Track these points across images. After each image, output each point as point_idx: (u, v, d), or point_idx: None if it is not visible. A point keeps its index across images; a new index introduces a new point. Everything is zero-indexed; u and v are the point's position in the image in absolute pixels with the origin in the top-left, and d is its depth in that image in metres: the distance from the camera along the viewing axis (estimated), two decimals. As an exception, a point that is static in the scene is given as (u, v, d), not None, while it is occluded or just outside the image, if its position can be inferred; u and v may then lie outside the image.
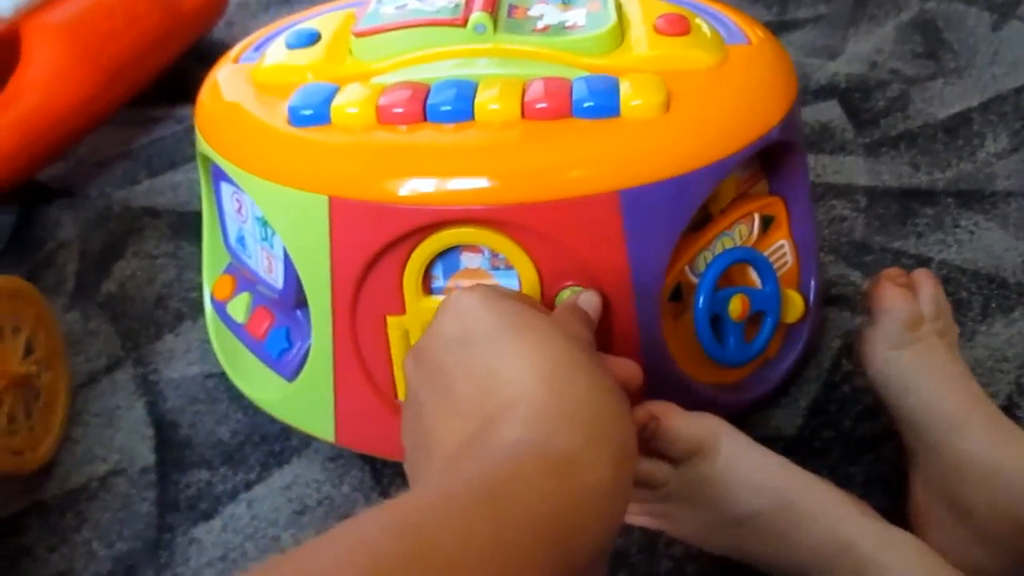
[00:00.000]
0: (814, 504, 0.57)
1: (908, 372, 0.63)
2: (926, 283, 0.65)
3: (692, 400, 0.62)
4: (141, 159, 1.16)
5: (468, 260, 0.63)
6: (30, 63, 1.03)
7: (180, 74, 1.23)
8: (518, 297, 0.52)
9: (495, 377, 0.45)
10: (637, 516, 0.64)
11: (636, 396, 0.53)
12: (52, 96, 1.03)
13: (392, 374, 0.67)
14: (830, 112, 1.12)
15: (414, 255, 0.62)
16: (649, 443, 0.59)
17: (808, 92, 1.16)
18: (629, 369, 0.55)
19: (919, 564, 0.54)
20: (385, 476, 0.73)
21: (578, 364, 0.46)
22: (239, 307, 0.78)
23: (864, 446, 0.72)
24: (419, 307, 0.64)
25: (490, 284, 0.58)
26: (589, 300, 0.58)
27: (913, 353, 0.63)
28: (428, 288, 0.64)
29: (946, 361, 0.63)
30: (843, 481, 0.59)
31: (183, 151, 1.15)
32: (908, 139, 1.07)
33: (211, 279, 0.82)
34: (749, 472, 0.59)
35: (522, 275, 0.62)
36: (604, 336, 0.63)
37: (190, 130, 0.74)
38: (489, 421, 0.43)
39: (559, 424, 0.42)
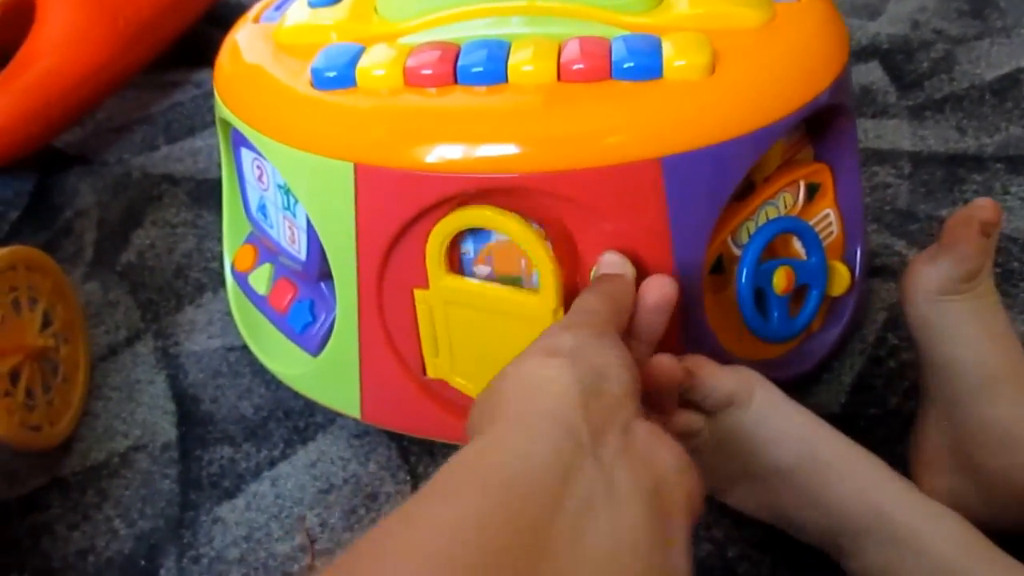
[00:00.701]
0: (845, 464, 0.56)
1: (953, 321, 0.60)
2: (995, 224, 0.61)
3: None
4: (160, 125, 1.15)
5: (499, 233, 0.61)
6: (44, 25, 1.01)
7: (199, 37, 1.21)
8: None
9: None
10: None
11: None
12: (67, 59, 1.01)
13: (419, 350, 0.65)
14: (871, 74, 1.10)
15: (436, 228, 0.59)
16: (685, 396, 0.59)
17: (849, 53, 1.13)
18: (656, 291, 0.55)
19: (960, 538, 0.52)
20: (412, 454, 0.71)
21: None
22: (261, 279, 0.76)
23: (911, 424, 0.68)
24: (441, 285, 0.61)
25: None
26: (610, 262, 0.57)
27: (964, 303, 0.60)
28: (458, 263, 0.62)
29: (992, 314, 0.61)
30: (889, 461, 0.58)
31: (202, 116, 1.14)
32: (954, 102, 1.04)
33: (232, 249, 0.80)
34: (779, 425, 0.58)
35: (541, 272, 0.59)
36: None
37: (209, 95, 0.72)
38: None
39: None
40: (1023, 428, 0.58)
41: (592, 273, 0.59)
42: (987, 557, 0.51)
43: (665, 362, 0.52)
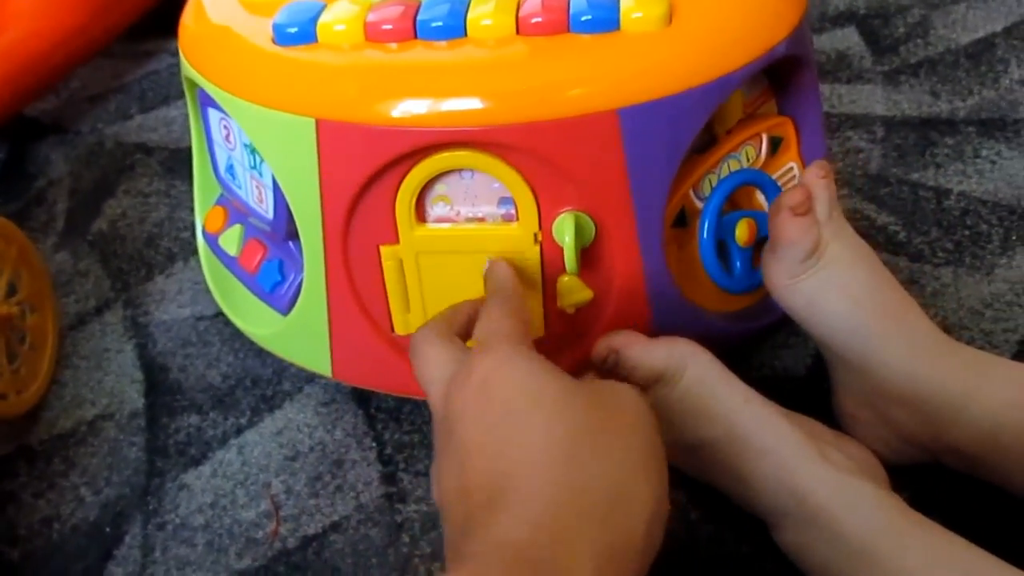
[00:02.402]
0: (767, 442, 0.57)
1: (812, 299, 0.61)
2: (818, 188, 0.62)
3: (698, 329, 0.60)
4: (134, 93, 1.14)
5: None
6: (14, -9, 1.00)
7: (174, 4, 1.19)
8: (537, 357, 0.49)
9: (503, 459, 0.44)
10: None
11: None
12: (38, 26, 1.00)
13: (387, 306, 0.65)
14: (848, 39, 1.09)
15: (405, 181, 0.59)
16: (611, 371, 0.61)
17: (826, 19, 1.13)
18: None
19: (877, 519, 0.53)
20: (379, 421, 0.71)
21: (592, 442, 0.44)
22: (231, 240, 0.75)
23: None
24: (412, 236, 0.61)
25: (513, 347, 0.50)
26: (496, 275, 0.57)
27: (812, 279, 0.61)
28: (422, 215, 0.62)
29: (848, 277, 0.61)
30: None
31: (177, 85, 1.12)
32: (928, 66, 1.03)
33: (203, 211, 0.79)
34: (705, 401, 0.59)
35: (518, 200, 0.59)
36: (605, 265, 0.61)
37: (183, 63, 0.71)
38: (487, 510, 0.43)
39: (546, 524, 0.42)
40: (917, 370, 0.59)
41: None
42: (904, 536, 0.52)
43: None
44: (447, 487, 0.46)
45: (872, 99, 0.99)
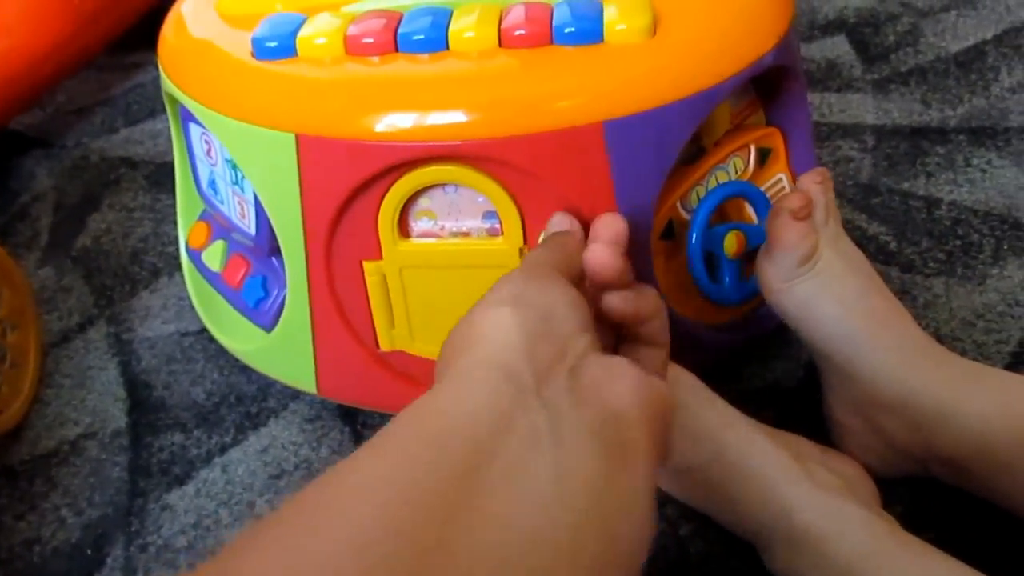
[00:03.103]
0: (752, 466, 0.57)
1: (805, 302, 0.61)
2: (816, 193, 0.62)
3: (688, 341, 0.59)
4: (120, 106, 1.14)
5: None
6: (-2, 4, 0.99)
7: (160, 17, 1.19)
8: None
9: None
10: None
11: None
12: (23, 40, 0.99)
13: (372, 322, 0.64)
14: (838, 48, 1.09)
15: (388, 196, 0.59)
16: None
17: (815, 27, 1.13)
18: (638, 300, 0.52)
19: (864, 540, 0.52)
20: (365, 438, 0.70)
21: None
22: (214, 255, 0.75)
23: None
24: (395, 251, 0.61)
25: None
26: (558, 222, 0.56)
27: (809, 283, 0.61)
28: (406, 230, 0.61)
29: (840, 284, 0.61)
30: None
31: (163, 98, 1.12)
32: (919, 74, 1.03)
33: (186, 227, 0.79)
34: (691, 424, 0.58)
35: (502, 214, 0.59)
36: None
37: (168, 76, 0.71)
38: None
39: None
40: (906, 376, 0.58)
41: (540, 236, 0.58)
42: (892, 558, 0.52)
43: (614, 301, 0.50)
44: None
45: (862, 108, 0.99)
